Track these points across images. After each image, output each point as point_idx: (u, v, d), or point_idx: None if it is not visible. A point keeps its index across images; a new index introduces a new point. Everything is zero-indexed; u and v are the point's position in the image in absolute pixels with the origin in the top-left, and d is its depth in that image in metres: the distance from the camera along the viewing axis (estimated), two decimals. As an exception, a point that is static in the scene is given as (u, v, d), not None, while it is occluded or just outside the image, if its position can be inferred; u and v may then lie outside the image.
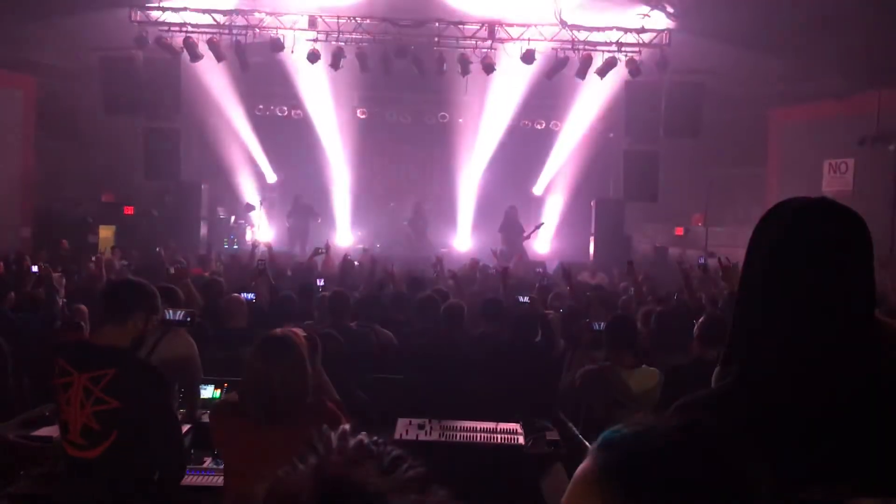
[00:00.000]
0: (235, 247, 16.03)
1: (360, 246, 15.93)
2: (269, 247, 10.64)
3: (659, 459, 0.93)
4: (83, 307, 5.99)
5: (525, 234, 15.63)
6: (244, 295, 6.68)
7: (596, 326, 5.35)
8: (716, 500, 0.92)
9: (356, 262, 11.26)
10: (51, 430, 4.30)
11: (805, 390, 1.43)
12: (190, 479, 3.60)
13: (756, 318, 1.53)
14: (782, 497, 1.34)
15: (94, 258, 9.03)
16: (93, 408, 2.99)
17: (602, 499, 0.94)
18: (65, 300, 6.75)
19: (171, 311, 4.42)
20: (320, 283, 8.81)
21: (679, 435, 0.96)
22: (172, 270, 7.12)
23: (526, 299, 7.15)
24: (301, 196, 16.54)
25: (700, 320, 4.62)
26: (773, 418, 1.43)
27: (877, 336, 1.48)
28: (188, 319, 4.50)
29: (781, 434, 1.41)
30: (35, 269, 7.53)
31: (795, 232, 1.51)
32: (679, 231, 16.24)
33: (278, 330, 3.11)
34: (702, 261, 9.06)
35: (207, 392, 4.64)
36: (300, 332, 3.17)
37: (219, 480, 3.41)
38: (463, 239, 17.66)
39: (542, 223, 16.41)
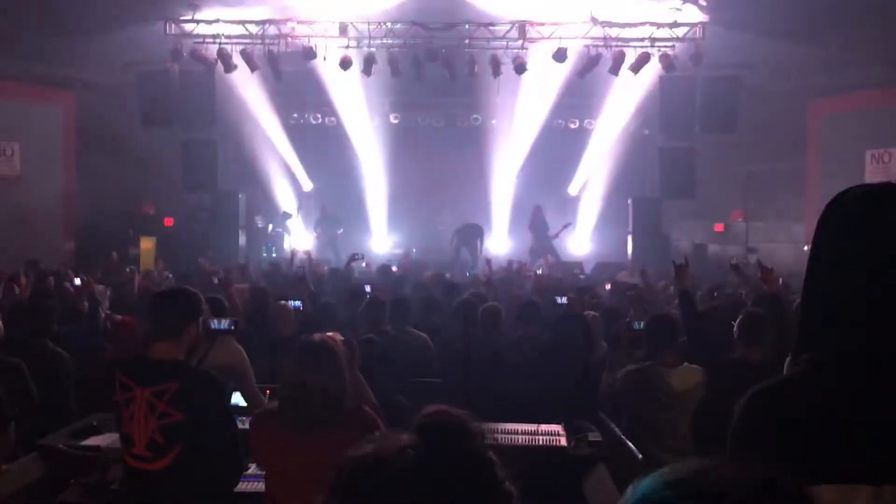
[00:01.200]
0: (274, 255, 16.18)
1: (398, 251, 16.03)
2: (308, 254, 10.71)
3: None
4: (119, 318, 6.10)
5: (553, 234, 15.58)
6: (291, 303, 6.72)
7: (636, 326, 5.30)
8: None
9: (394, 268, 11.32)
10: (99, 440, 4.37)
11: (872, 382, 1.42)
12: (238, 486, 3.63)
13: (823, 307, 1.52)
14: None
15: (128, 269, 9.20)
16: (158, 421, 3.03)
17: None
18: (108, 312, 6.85)
19: (216, 321, 4.47)
20: (368, 288, 8.86)
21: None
22: (216, 280, 7.21)
23: (563, 300, 7.10)
24: (327, 206, 16.67)
25: (739, 319, 4.55)
26: (840, 409, 1.41)
27: None
28: (233, 327, 4.54)
29: (846, 425, 1.40)
30: (77, 281, 7.66)
31: (860, 219, 1.49)
32: (719, 227, 16.03)
33: (316, 336, 3.12)
34: (733, 261, 8.97)
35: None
36: (338, 336, 3.18)
37: (263, 487, 3.43)
38: (499, 241, 17.64)
39: (570, 223, 16.32)
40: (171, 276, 10.59)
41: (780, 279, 6.48)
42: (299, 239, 16.98)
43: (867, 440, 1.38)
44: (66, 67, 13.57)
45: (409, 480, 1.06)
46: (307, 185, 17.99)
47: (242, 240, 15.71)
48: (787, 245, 14.21)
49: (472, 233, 15.97)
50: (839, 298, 1.49)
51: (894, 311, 1.43)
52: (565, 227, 15.92)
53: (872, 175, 12.88)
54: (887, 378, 1.41)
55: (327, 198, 17.25)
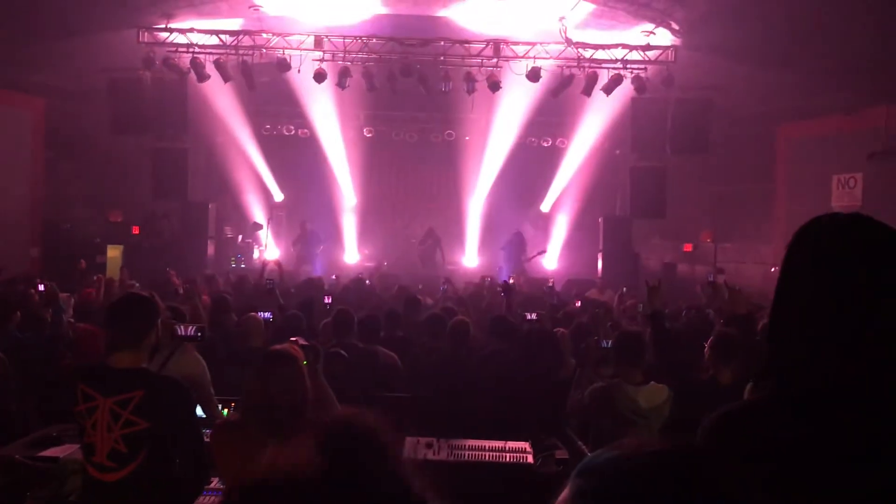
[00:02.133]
0: (242, 266, 16.05)
1: (370, 263, 16.02)
2: (279, 264, 10.63)
3: (633, 489, 0.85)
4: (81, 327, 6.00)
5: (527, 257, 15.72)
6: (261, 314, 6.64)
7: (604, 344, 5.31)
8: None
9: (367, 281, 11.30)
10: (57, 451, 4.28)
11: (838, 408, 1.42)
12: (199, 500, 3.56)
13: (790, 335, 1.53)
14: None
15: (95, 278, 9.06)
16: (121, 430, 3.00)
17: None
18: (71, 320, 6.75)
19: (181, 327, 4.41)
20: (328, 300, 8.81)
21: (660, 461, 0.88)
22: (181, 291, 7.12)
23: (533, 316, 7.11)
24: (306, 221, 16.59)
25: (711, 339, 4.57)
26: (805, 434, 1.42)
27: None
28: (199, 334, 4.48)
29: (812, 451, 1.40)
30: (41, 287, 7.54)
31: (827, 248, 1.50)
32: (688, 247, 16.19)
33: (277, 346, 3.11)
34: (710, 278, 9.04)
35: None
36: (301, 340, 3.17)
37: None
38: (470, 256, 17.68)
39: (545, 251, 16.45)
40: (137, 284, 10.44)
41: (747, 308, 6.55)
42: (269, 250, 16.86)
43: (828, 467, 1.39)
44: (37, 72, 13.39)
45: (309, 500, 0.96)
46: (278, 196, 17.89)
47: (211, 249, 15.56)
48: (755, 266, 14.37)
49: (429, 246, 16.22)
50: (803, 327, 1.50)
51: (856, 342, 1.44)
52: (539, 253, 16.07)
53: (838, 199, 13.09)
54: (850, 407, 1.42)
55: (300, 209, 17.17)
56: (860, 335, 1.44)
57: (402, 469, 1.03)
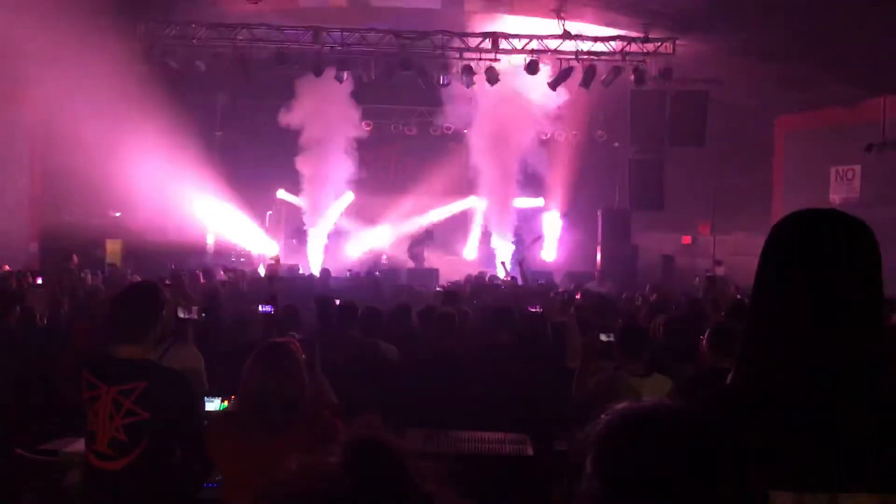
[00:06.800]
0: (242, 259, 16.05)
1: (367, 256, 16.05)
2: (277, 259, 10.63)
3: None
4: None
5: (526, 246, 15.78)
6: (261, 308, 6.65)
7: (604, 336, 5.30)
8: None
9: (377, 273, 11.36)
10: (57, 445, 4.28)
11: (806, 393, 1.48)
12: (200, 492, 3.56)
13: (764, 324, 1.59)
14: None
15: (81, 274, 9.08)
16: (122, 420, 3.01)
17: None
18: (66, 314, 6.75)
19: (182, 310, 4.42)
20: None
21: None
22: (168, 281, 7.15)
23: (536, 308, 7.12)
24: (304, 214, 16.63)
25: (709, 330, 4.57)
26: (774, 418, 1.47)
27: (881, 341, 1.52)
28: (203, 315, 4.49)
29: (780, 433, 1.45)
30: (39, 281, 7.56)
31: (801, 242, 1.56)
32: (686, 239, 16.19)
33: (276, 339, 3.11)
34: (710, 272, 9.08)
35: (214, 405, 4.60)
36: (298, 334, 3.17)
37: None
38: (470, 249, 17.67)
39: (541, 236, 16.49)
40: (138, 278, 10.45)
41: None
42: (267, 245, 16.83)
43: (789, 448, 1.43)
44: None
45: None
46: (277, 190, 17.85)
47: (210, 244, 15.55)
48: (753, 258, 14.29)
49: (418, 244, 16.35)
50: (776, 318, 1.56)
51: (826, 335, 1.49)
52: (535, 240, 16.10)
53: (836, 192, 13.11)
54: (814, 396, 1.47)
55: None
56: (829, 328, 1.50)
57: (423, 484, 1.03)
